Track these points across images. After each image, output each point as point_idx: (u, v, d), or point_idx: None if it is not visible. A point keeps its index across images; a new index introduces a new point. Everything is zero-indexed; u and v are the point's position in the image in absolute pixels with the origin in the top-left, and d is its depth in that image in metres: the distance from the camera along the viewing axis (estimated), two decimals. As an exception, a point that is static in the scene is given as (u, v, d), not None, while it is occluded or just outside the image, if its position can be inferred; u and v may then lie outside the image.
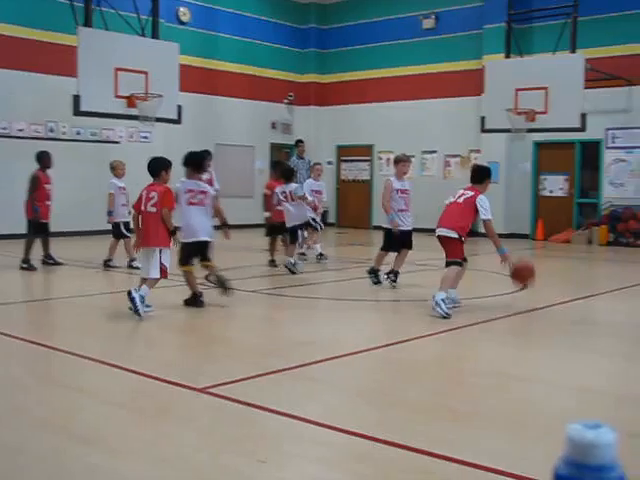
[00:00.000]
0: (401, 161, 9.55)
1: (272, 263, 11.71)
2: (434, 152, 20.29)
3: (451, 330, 6.94)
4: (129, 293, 7.20)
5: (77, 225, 16.38)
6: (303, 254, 12.34)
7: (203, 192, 8.10)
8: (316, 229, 11.83)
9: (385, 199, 9.36)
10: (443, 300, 7.36)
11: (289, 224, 11.10)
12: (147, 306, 7.31)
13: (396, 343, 6.42)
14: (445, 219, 7.82)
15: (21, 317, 7.93)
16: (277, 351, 6.25)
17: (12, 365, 5.65)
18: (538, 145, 18.19)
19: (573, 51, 15.40)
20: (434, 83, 19.96)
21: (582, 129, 15.19)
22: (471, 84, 18.63)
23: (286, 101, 22.00)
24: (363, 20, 21.66)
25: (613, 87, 16.57)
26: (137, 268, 10.79)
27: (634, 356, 6.25)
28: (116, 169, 11.54)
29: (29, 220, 11.34)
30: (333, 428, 4.06)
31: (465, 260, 7.92)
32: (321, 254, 12.30)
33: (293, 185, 11.29)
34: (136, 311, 7.16)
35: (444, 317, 7.29)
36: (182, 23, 19.32)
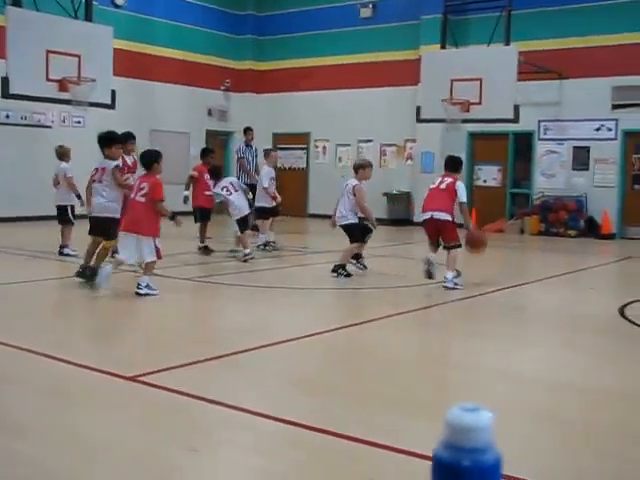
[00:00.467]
0: (369, 166, 9.90)
1: (205, 250, 11.54)
2: (370, 141, 20.37)
3: (382, 318, 7.01)
4: (138, 287, 7.59)
5: (5, 211, 15.83)
6: (274, 242, 12.26)
7: (104, 169, 8.31)
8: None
9: (363, 201, 9.58)
10: (455, 277, 8.59)
11: (235, 217, 10.98)
12: (152, 289, 7.69)
13: (330, 330, 6.44)
14: (434, 202, 8.73)
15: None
16: (209, 339, 6.20)
17: None
18: (472, 135, 18.42)
19: (507, 44, 15.66)
20: (371, 72, 20.00)
21: (515, 120, 15.48)
22: (408, 74, 18.73)
23: (222, 88, 21.79)
24: (301, 7, 21.56)
25: (545, 80, 16.88)
26: (68, 255, 10.61)
27: (564, 343, 6.41)
28: (67, 155, 11.27)
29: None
30: (266, 416, 4.04)
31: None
32: (268, 242, 12.20)
33: (230, 178, 11.49)
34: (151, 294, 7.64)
35: (458, 289, 8.49)
36: (117, 6, 18.87)
